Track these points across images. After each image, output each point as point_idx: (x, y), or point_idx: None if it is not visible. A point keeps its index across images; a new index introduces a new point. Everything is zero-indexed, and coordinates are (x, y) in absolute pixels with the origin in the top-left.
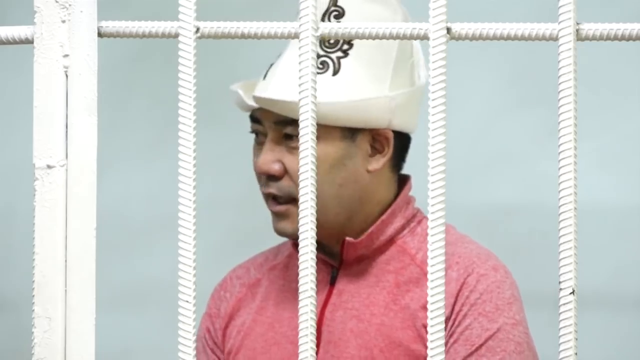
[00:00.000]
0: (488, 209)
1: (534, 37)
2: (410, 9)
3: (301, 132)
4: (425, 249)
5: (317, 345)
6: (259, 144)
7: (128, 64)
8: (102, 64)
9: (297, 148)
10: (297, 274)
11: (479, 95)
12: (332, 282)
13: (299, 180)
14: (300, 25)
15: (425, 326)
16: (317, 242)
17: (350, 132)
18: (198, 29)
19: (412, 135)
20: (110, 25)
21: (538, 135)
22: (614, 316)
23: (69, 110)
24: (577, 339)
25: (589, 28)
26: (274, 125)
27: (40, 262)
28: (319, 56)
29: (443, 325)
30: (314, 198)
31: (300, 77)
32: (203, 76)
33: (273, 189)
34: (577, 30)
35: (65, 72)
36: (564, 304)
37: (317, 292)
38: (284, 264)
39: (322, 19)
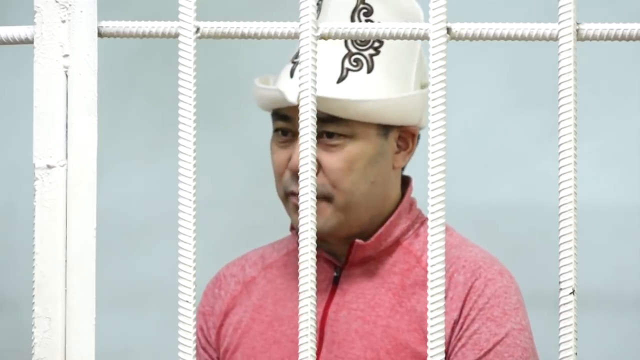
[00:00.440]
0: (488, 209)
1: (534, 37)
2: None
3: (301, 133)
4: None
5: (320, 345)
6: (284, 142)
7: (128, 64)
8: (102, 64)
9: (335, 145)
10: (297, 273)
11: (479, 95)
12: (335, 282)
13: (299, 180)
14: (300, 25)
15: None
16: (321, 241)
17: (385, 130)
18: (198, 29)
19: None
20: (110, 25)
21: (538, 135)
22: (614, 316)
23: (69, 110)
24: (577, 339)
25: (589, 28)
26: None
27: (40, 262)
28: (352, 54)
29: (443, 326)
30: (314, 198)
31: (300, 77)
32: (203, 76)
33: None
34: (577, 30)
35: (65, 72)
36: (564, 304)
37: (320, 291)
38: (283, 262)
39: (352, 17)
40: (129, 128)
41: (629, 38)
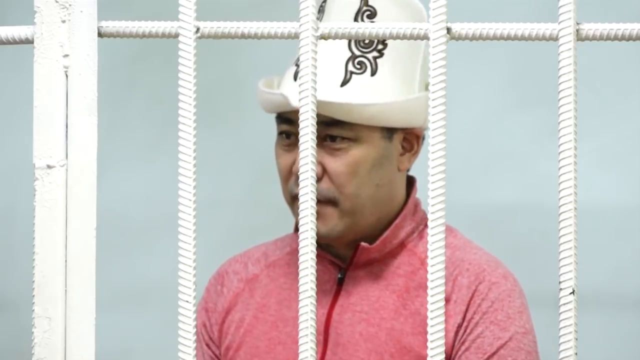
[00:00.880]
0: (488, 209)
1: (534, 37)
2: None
3: (301, 133)
4: None
5: (325, 346)
6: (288, 145)
7: (128, 64)
8: (102, 64)
9: (339, 149)
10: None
11: (479, 95)
12: (340, 283)
13: (299, 180)
14: (300, 25)
15: None
16: (326, 245)
17: (389, 132)
18: (198, 29)
19: None
20: (110, 25)
21: (538, 135)
22: (614, 316)
23: (69, 110)
24: (577, 339)
25: (589, 28)
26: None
27: (40, 262)
28: (356, 56)
29: (443, 326)
30: (314, 198)
31: (300, 77)
32: (203, 76)
33: None
34: (577, 30)
35: (65, 72)
36: (564, 304)
37: (324, 292)
38: (286, 261)
39: (355, 19)
40: (129, 128)
41: (629, 38)
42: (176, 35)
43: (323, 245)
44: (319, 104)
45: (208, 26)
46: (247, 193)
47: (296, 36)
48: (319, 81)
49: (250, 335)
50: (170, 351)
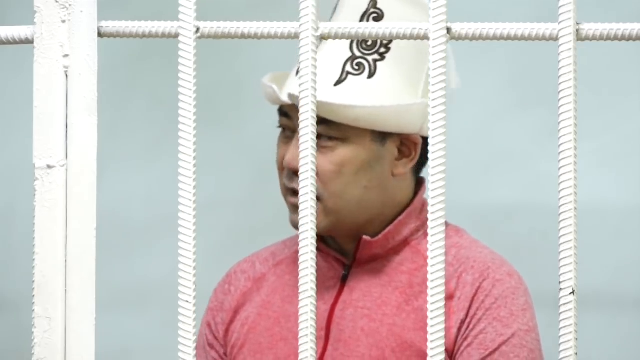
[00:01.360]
0: (488, 209)
1: (534, 37)
2: None
3: (301, 133)
4: None
5: (326, 342)
6: (285, 138)
7: (128, 64)
8: (102, 64)
9: (326, 148)
10: None
11: (479, 95)
12: (344, 280)
13: (299, 180)
14: (300, 25)
15: None
16: (331, 240)
17: (381, 136)
18: (198, 29)
19: None
20: (110, 25)
21: (538, 135)
22: (614, 316)
23: (69, 110)
24: (577, 339)
25: (589, 28)
26: None
27: (40, 262)
28: (355, 57)
29: (443, 326)
30: (314, 198)
31: (300, 77)
32: (203, 76)
33: (297, 184)
34: (577, 30)
35: (65, 72)
36: (564, 304)
37: (328, 289)
38: (292, 259)
39: (361, 20)
40: (129, 128)
41: (629, 38)
42: (176, 35)
43: (329, 242)
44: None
45: (208, 26)
46: (247, 193)
47: (296, 36)
48: None
49: (254, 332)
50: (170, 351)
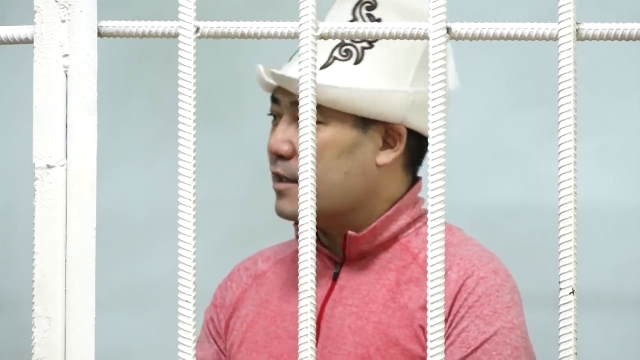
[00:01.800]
0: (488, 209)
1: (534, 37)
2: None
3: (301, 133)
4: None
5: (316, 341)
6: (275, 126)
7: (128, 64)
8: (102, 64)
9: None
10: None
11: (479, 95)
12: (335, 278)
13: (300, 180)
14: (300, 25)
15: (422, 327)
16: (323, 237)
17: (363, 122)
18: (198, 29)
19: None
20: (110, 25)
21: (538, 135)
22: (614, 316)
23: (69, 110)
24: (577, 339)
25: (589, 28)
26: (289, 106)
27: (40, 262)
28: (344, 44)
29: (443, 326)
30: (314, 198)
31: (300, 77)
32: (203, 76)
33: (280, 168)
34: (577, 30)
35: (65, 72)
36: (564, 304)
37: (320, 288)
38: (292, 258)
39: (354, 10)
40: (129, 128)
41: (629, 38)
42: (176, 35)
43: (321, 240)
44: (291, 82)
45: (208, 26)
46: (247, 193)
47: (296, 36)
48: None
49: (251, 330)
50: (170, 351)
